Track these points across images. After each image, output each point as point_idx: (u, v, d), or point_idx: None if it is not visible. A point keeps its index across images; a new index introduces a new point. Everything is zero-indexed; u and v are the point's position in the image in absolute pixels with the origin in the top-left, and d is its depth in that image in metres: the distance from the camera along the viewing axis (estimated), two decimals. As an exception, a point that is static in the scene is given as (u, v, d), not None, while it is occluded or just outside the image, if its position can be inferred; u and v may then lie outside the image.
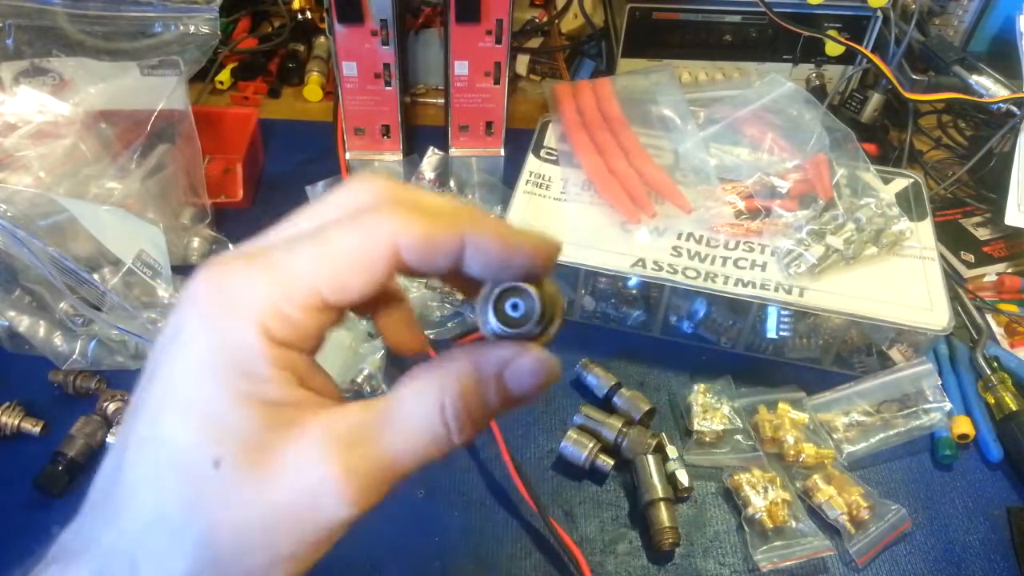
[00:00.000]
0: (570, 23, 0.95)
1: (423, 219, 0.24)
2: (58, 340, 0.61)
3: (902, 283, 0.64)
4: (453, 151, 0.83)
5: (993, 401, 0.63)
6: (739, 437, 0.60)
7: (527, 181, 0.71)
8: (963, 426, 0.61)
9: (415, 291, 0.69)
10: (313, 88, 0.91)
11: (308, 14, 0.95)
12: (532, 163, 0.73)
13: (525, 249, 0.25)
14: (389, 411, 0.25)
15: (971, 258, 0.76)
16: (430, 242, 0.24)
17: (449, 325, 0.68)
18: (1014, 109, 0.76)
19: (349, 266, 0.24)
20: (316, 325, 0.25)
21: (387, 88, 0.77)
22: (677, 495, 0.57)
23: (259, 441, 0.23)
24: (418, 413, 0.25)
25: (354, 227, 0.25)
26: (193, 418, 0.23)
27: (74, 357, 0.60)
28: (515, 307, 0.25)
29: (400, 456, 0.25)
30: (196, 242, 0.71)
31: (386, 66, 0.76)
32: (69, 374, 0.60)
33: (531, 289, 0.25)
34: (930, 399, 0.62)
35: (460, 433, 0.25)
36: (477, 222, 0.25)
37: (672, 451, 0.58)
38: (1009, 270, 0.75)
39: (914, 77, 0.82)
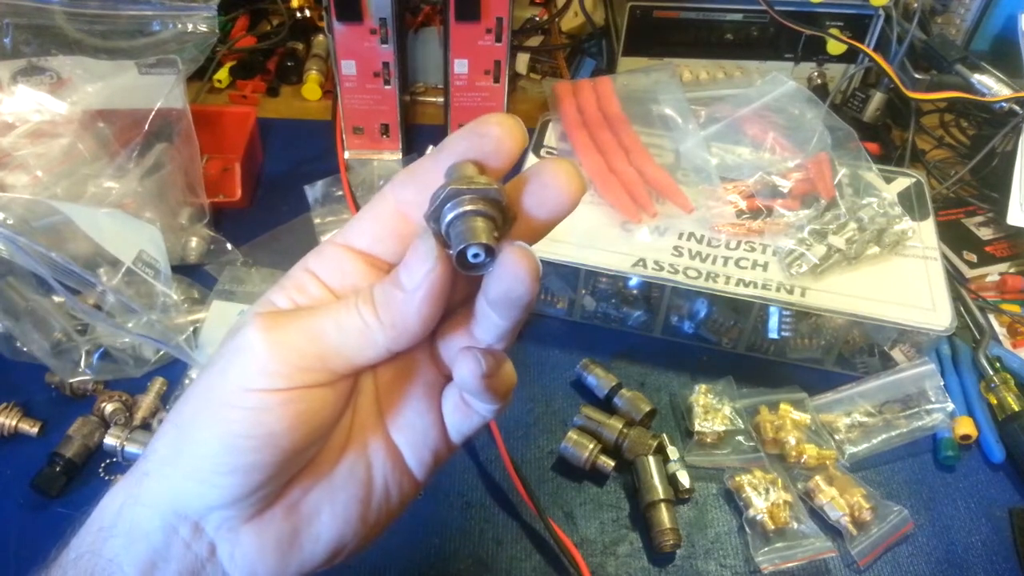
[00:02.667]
0: (570, 21, 0.95)
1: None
2: (60, 355, 0.61)
3: (904, 283, 0.63)
4: (453, 150, 0.83)
5: (995, 402, 0.63)
6: (740, 438, 0.60)
7: (527, 180, 0.71)
8: (965, 427, 0.61)
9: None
10: (312, 87, 0.90)
11: (307, 12, 0.95)
12: (532, 162, 0.73)
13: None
14: (321, 305, 0.29)
15: (973, 258, 0.75)
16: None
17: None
18: (1016, 108, 0.76)
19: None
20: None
21: (386, 87, 0.77)
22: (678, 496, 0.57)
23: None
24: (341, 301, 0.28)
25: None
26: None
27: (80, 369, 0.60)
28: (475, 256, 0.26)
29: (324, 332, 0.27)
30: (194, 242, 0.71)
31: (385, 65, 0.75)
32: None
33: (494, 246, 0.26)
34: (932, 400, 0.61)
35: (383, 325, 0.27)
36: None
37: (673, 452, 0.58)
38: (1012, 270, 0.75)
39: (916, 76, 0.81)
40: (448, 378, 0.31)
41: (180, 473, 0.28)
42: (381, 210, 0.29)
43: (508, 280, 0.26)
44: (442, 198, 0.26)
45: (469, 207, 0.26)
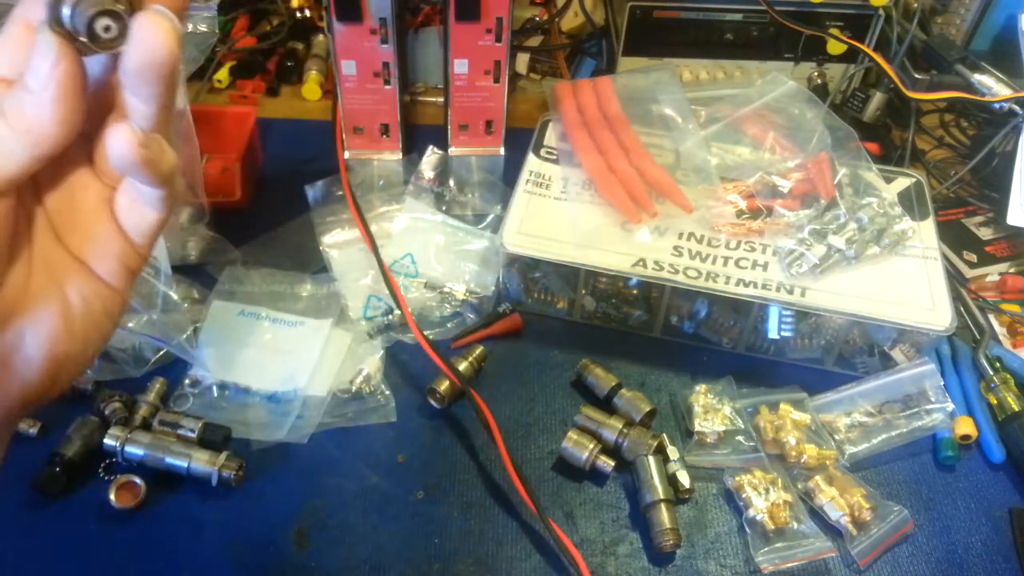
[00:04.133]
0: (570, 21, 0.95)
1: None
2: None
3: (904, 283, 0.63)
4: (453, 150, 0.83)
5: (995, 402, 0.63)
6: (740, 438, 0.60)
7: (527, 180, 0.71)
8: (965, 427, 0.61)
9: (414, 291, 0.69)
10: (312, 87, 0.90)
11: (307, 12, 0.95)
12: (532, 162, 0.73)
13: None
14: None
15: (973, 258, 0.75)
16: None
17: (449, 325, 0.67)
18: (1016, 108, 0.75)
19: None
20: None
21: (386, 87, 0.77)
22: (678, 496, 0.57)
23: None
24: None
25: None
26: None
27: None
28: (107, 29, 0.26)
29: None
30: (194, 242, 0.71)
31: (385, 65, 0.75)
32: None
33: (124, 14, 0.26)
34: (932, 400, 0.61)
35: (16, 132, 0.27)
36: None
37: (673, 452, 0.58)
38: (1011, 270, 0.75)
39: (916, 76, 0.81)
40: (116, 189, 0.32)
41: None
42: (13, 32, 0.29)
43: (145, 45, 0.26)
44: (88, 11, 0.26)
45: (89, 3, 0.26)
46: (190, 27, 0.69)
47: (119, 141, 0.28)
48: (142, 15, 0.26)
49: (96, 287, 0.32)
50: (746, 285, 0.62)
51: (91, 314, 0.32)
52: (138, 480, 0.55)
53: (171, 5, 0.28)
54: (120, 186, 0.32)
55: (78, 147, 0.31)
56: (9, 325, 0.30)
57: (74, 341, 0.31)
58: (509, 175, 0.79)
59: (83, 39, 0.26)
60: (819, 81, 0.88)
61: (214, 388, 0.61)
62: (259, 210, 0.77)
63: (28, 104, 0.27)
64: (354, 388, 0.61)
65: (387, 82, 0.76)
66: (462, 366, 0.62)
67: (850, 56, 0.87)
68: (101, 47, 0.27)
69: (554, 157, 0.73)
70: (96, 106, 0.30)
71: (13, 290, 0.30)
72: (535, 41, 0.96)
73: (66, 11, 0.26)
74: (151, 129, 0.29)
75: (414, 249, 0.72)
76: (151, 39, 0.26)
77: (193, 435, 0.56)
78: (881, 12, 0.83)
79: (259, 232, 0.74)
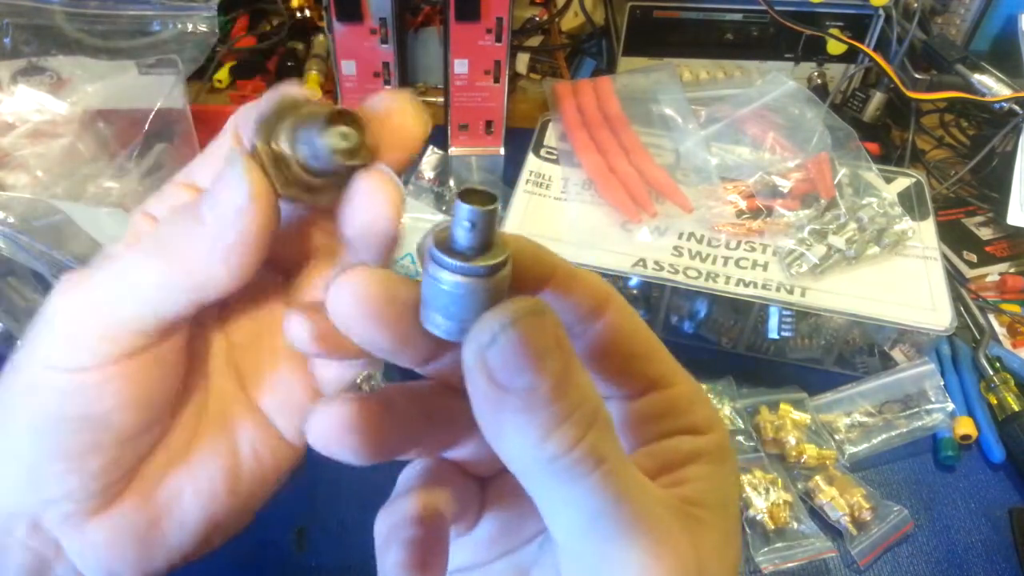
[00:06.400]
0: (570, 21, 0.95)
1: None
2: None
3: (904, 283, 0.63)
4: (453, 150, 0.83)
5: (995, 402, 0.63)
6: (740, 438, 0.60)
7: (527, 180, 0.71)
8: (965, 427, 0.61)
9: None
10: (312, 87, 0.90)
11: (307, 12, 0.95)
12: (532, 162, 0.73)
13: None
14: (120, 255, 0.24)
15: (973, 258, 0.75)
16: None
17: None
18: (1016, 108, 0.76)
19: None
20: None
21: (386, 87, 0.77)
22: (678, 496, 0.57)
23: None
24: (131, 247, 0.23)
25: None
26: None
27: None
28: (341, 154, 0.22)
29: (119, 290, 0.23)
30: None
31: (385, 65, 0.75)
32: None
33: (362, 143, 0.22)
34: (932, 400, 0.61)
35: (172, 271, 0.22)
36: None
37: (673, 452, 0.58)
38: (1012, 270, 0.75)
39: (916, 76, 0.81)
40: None
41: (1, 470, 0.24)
42: (222, 145, 0.25)
43: (368, 211, 0.22)
44: (276, 107, 0.21)
45: (324, 110, 0.21)
46: (190, 27, 0.69)
47: (293, 334, 0.23)
48: (364, 176, 0.22)
49: (272, 442, 0.28)
50: (746, 285, 0.62)
51: (261, 470, 0.28)
52: (138, 480, 0.55)
53: (395, 164, 0.23)
54: None
55: (273, 279, 0.26)
56: (168, 481, 0.26)
57: (236, 500, 0.27)
58: (509, 175, 0.79)
59: (299, 170, 0.21)
60: (819, 81, 0.88)
61: (214, 388, 0.61)
62: (259, 210, 0.77)
63: (196, 237, 0.21)
64: (354, 388, 0.61)
65: (387, 82, 0.77)
66: (462, 366, 0.62)
67: (850, 56, 0.87)
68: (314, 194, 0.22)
69: (554, 157, 0.73)
70: (299, 238, 0.25)
71: (180, 439, 0.26)
72: (535, 41, 0.96)
73: (285, 133, 0.21)
74: None
75: (414, 249, 0.72)
76: (373, 207, 0.22)
77: (193, 435, 0.56)
78: (881, 12, 0.83)
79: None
